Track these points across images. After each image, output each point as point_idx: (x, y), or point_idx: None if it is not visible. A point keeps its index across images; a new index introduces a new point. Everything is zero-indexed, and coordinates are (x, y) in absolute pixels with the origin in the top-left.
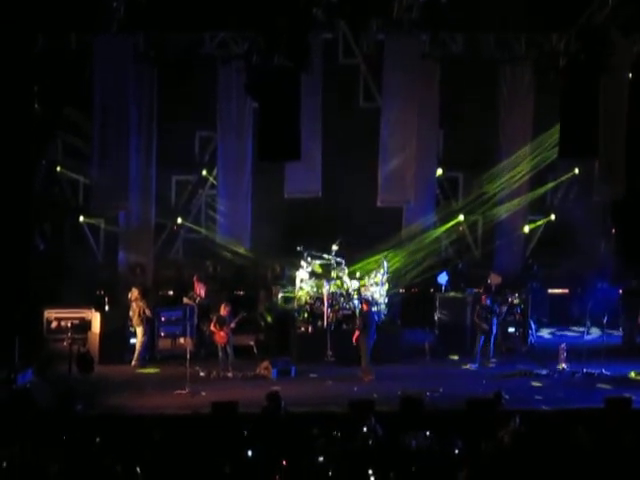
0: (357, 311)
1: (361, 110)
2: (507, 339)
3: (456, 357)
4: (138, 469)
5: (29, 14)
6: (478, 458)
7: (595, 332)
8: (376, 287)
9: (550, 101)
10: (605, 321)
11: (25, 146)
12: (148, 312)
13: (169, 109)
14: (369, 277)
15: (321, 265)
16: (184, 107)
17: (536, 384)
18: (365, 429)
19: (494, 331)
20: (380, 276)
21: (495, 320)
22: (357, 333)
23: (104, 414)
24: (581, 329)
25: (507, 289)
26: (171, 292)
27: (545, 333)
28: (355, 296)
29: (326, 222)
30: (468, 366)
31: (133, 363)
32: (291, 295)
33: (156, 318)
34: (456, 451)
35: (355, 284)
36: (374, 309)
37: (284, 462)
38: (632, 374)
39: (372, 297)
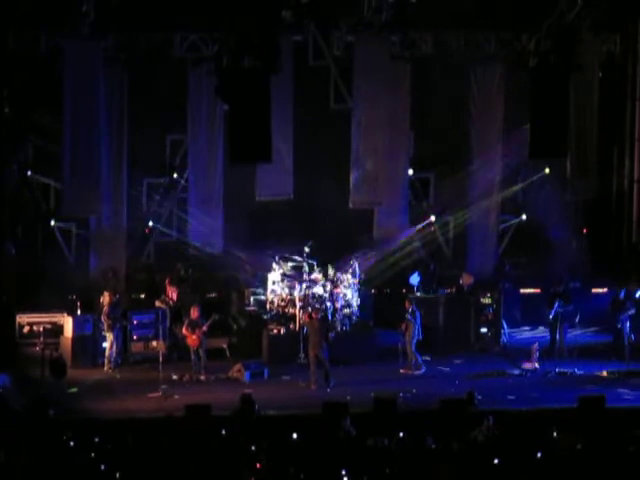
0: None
1: (332, 112)
2: (479, 339)
3: (428, 358)
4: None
5: None
6: (451, 457)
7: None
8: (348, 289)
9: (520, 101)
10: (577, 320)
11: None
12: (104, 319)
13: (139, 113)
14: (341, 279)
15: (293, 267)
16: (154, 110)
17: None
18: (339, 431)
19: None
20: (352, 278)
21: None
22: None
23: (77, 418)
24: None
25: (479, 289)
26: (143, 295)
27: (517, 333)
28: (327, 298)
29: (298, 224)
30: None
31: (105, 368)
32: (263, 297)
33: (128, 321)
34: (428, 450)
35: (327, 286)
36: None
37: (258, 465)
38: (604, 373)
39: (344, 299)
